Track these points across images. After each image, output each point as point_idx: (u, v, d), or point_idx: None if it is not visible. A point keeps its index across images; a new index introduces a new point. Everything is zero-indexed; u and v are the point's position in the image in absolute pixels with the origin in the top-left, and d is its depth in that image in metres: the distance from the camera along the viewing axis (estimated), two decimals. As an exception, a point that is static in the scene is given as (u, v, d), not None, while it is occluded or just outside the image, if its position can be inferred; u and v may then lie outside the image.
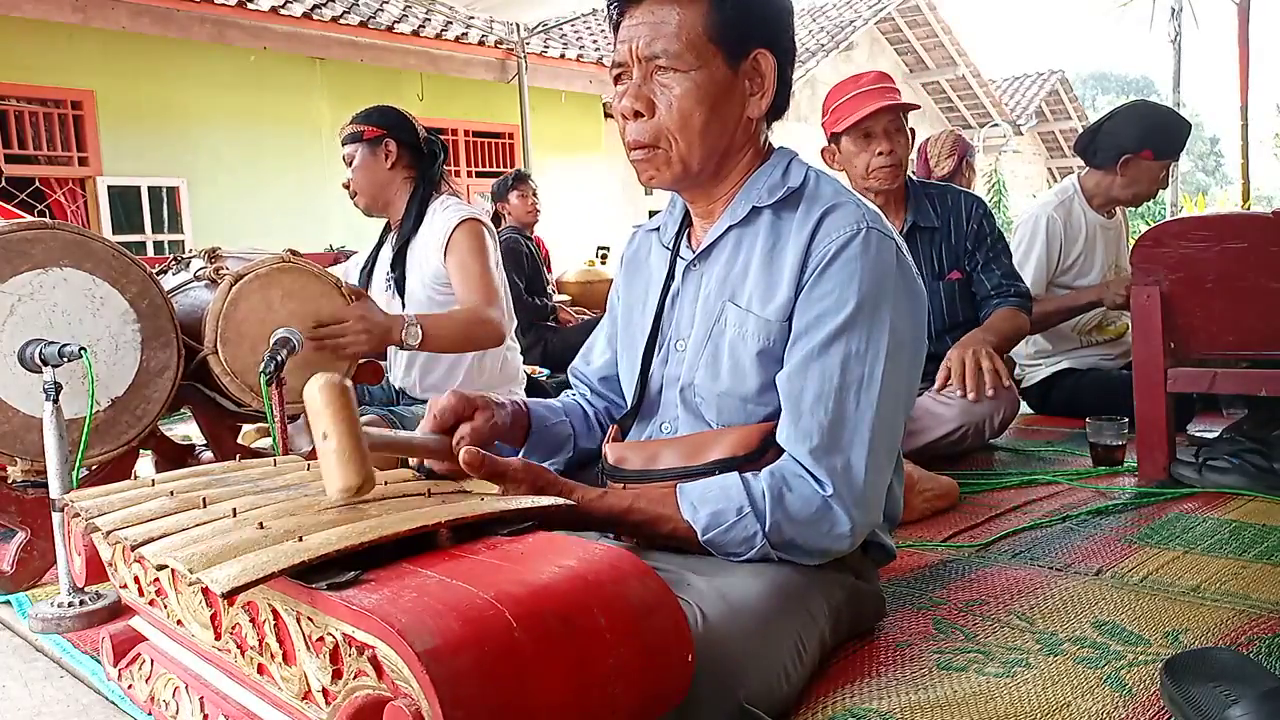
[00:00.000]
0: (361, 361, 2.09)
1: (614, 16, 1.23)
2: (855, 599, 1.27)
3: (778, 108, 1.27)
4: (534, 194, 4.80)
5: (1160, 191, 2.92)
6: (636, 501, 1.17)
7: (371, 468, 0.96)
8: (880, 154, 2.38)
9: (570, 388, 1.56)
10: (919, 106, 2.44)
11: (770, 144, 1.30)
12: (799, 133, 12.72)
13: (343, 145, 2.42)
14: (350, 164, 2.41)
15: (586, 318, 4.68)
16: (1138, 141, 2.76)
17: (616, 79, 1.24)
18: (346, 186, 2.43)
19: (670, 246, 1.36)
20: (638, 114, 1.20)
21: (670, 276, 1.34)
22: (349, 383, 0.99)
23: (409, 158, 2.42)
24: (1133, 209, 3.07)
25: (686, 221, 1.36)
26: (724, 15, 1.17)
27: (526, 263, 4.45)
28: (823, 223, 1.18)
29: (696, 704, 0.92)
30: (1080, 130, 3.05)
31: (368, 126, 2.39)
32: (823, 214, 1.18)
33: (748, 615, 1.06)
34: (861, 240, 1.16)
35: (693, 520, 1.13)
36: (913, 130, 2.46)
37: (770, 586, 1.12)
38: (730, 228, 1.26)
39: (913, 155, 3.78)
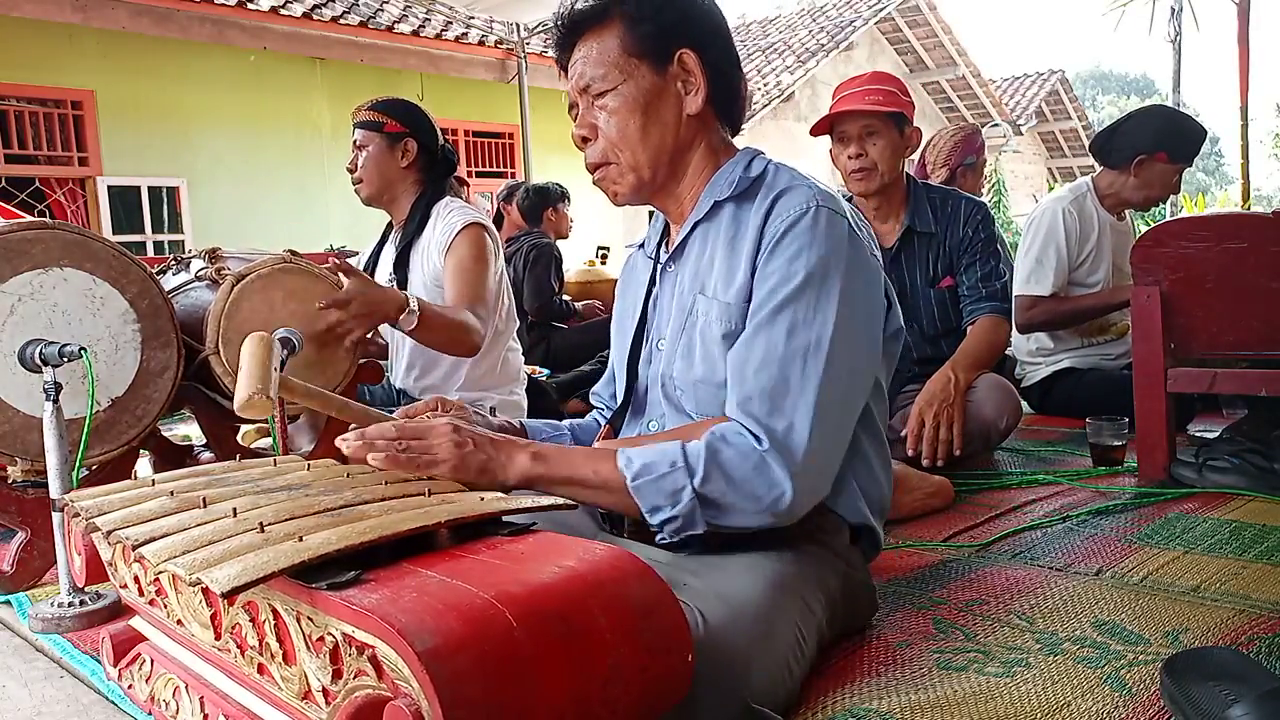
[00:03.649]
0: (362, 361, 2.09)
1: (561, 66, 1.34)
2: (849, 589, 1.27)
3: (724, 100, 1.31)
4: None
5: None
6: (567, 453, 1.18)
7: (266, 387, 1.11)
8: (850, 157, 2.38)
9: (582, 400, 1.59)
10: (884, 115, 2.33)
11: (733, 144, 1.35)
12: (799, 133, 12.71)
13: (357, 128, 2.37)
14: (360, 148, 2.37)
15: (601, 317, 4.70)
16: (1153, 143, 2.76)
17: (574, 119, 1.32)
18: (352, 170, 2.39)
19: (653, 256, 1.42)
20: (586, 139, 1.30)
21: (652, 282, 1.39)
22: (275, 340, 1.16)
23: (423, 160, 2.40)
24: (1137, 211, 3.06)
25: (667, 231, 1.42)
26: (638, 30, 1.26)
27: (558, 268, 4.49)
28: (776, 204, 1.22)
29: (702, 707, 0.93)
30: (1081, 130, 3.06)
31: (391, 120, 2.35)
32: (776, 196, 1.23)
33: (748, 614, 1.06)
34: (811, 216, 1.19)
35: (625, 469, 1.13)
36: (917, 129, 2.44)
37: (766, 581, 1.12)
38: (696, 224, 1.31)
39: (915, 157, 3.73)
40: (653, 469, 1.12)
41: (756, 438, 1.12)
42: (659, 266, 1.39)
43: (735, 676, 0.99)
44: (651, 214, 1.45)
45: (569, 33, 1.31)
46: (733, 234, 1.25)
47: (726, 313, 1.22)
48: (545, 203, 4.67)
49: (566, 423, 1.50)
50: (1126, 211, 2.98)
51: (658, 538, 1.15)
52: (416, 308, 2.02)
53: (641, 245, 1.48)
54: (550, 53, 1.38)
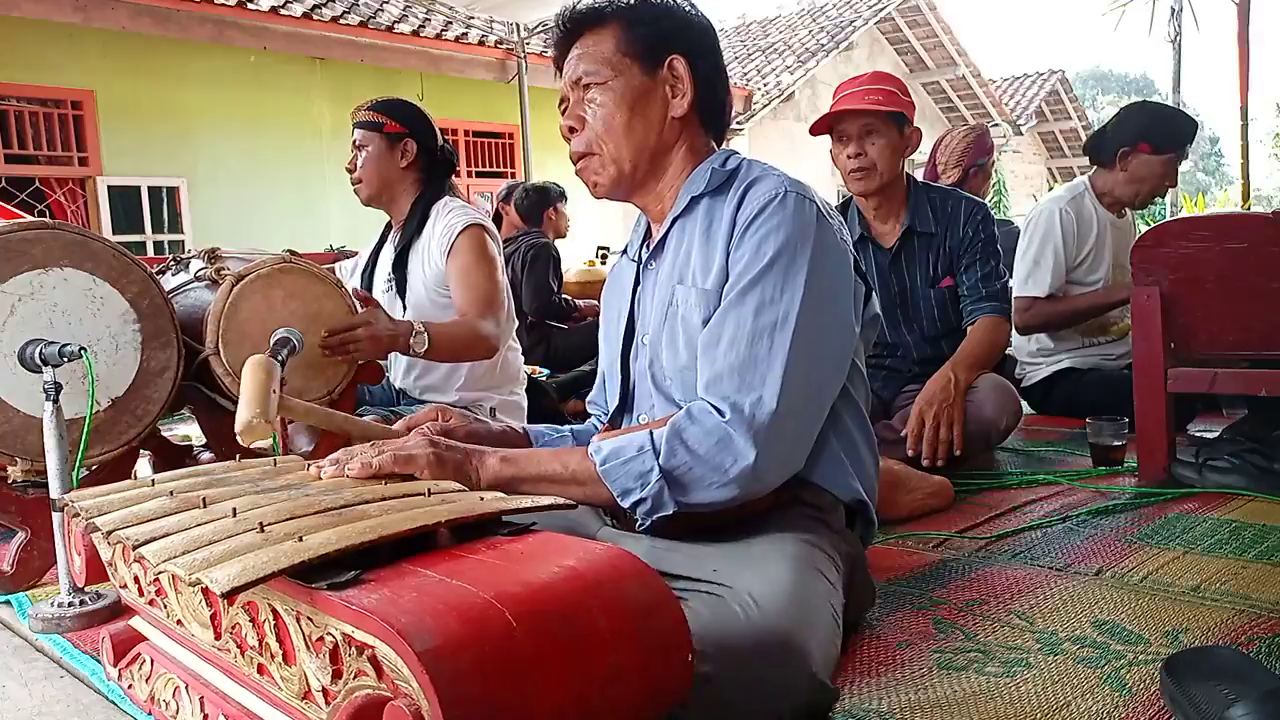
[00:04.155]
0: (361, 361, 2.09)
1: (558, 64, 1.39)
2: (853, 571, 1.28)
3: (710, 109, 1.36)
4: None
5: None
6: (535, 453, 1.23)
7: (266, 411, 1.16)
8: (849, 157, 2.38)
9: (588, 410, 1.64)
10: (884, 114, 2.34)
11: (714, 149, 1.38)
12: (799, 133, 12.70)
13: (356, 128, 2.37)
14: (359, 148, 2.36)
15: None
16: (1134, 135, 2.77)
17: (563, 113, 1.36)
18: (351, 170, 2.38)
19: (636, 258, 1.45)
20: (572, 130, 1.34)
21: (637, 282, 1.43)
22: (275, 361, 1.21)
23: (423, 160, 2.39)
24: (1138, 210, 3.06)
25: (649, 233, 1.45)
26: (634, 33, 1.31)
27: (557, 267, 4.48)
28: (748, 192, 1.26)
29: (774, 688, 0.95)
30: (1081, 130, 3.06)
31: (390, 120, 2.34)
32: (748, 186, 1.27)
33: (790, 593, 1.07)
34: (779, 200, 1.22)
35: (594, 456, 1.16)
36: (917, 129, 2.44)
37: (793, 560, 1.13)
38: (675, 220, 1.34)
39: (916, 157, 3.70)
40: (620, 454, 1.15)
41: (720, 412, 1.14)
42: (641, 266, 1.42)
43: (796, 650, 1.01)
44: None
45: (569, 33, 1.35)
46: (708, 225, 1.29)
47: (705, 299, 1.25)
48: (544, 202, 4.67)
49: (568, 428, 1.52)
50: (1127, 209, 2.98)
51: (639, 526, 1.17)
52: (425, 331, 2.03)
53: (625, 251, 1.51)
54: (550, 52, 1.40)
